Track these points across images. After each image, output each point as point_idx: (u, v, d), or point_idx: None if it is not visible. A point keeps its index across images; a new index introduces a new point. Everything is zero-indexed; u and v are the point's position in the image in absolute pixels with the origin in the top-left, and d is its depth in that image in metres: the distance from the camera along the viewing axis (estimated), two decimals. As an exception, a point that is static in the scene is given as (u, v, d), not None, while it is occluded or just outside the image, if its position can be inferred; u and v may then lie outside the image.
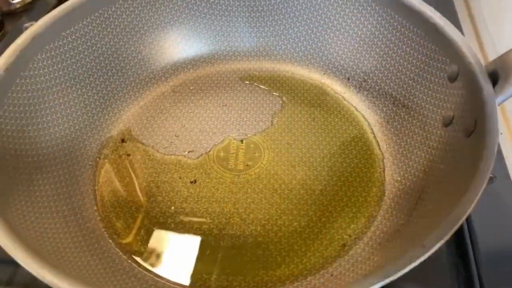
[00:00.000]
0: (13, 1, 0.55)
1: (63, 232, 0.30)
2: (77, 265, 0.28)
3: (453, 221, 0.22)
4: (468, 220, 0.33)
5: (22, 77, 0.34)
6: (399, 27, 0.38)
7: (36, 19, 0.52)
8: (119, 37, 0.41)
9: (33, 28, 0.35)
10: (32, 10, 0.56)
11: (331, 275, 0.30)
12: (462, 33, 0.35)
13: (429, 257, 0.31)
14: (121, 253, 0.32)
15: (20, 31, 0.52)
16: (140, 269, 0.31)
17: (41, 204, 0.31)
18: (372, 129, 0.39)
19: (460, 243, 0.32)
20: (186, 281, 0.30)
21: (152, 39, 0.43)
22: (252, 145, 0.38)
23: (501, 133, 0.38)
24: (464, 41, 0.32)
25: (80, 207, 0.34)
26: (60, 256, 0.28)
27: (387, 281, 0.21)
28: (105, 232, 0.33)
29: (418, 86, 0.36)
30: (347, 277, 0.29)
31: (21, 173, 0.31)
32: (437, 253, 0.31)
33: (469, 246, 0.32)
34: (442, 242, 0.22)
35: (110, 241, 0.32)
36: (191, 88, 0.43)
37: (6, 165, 0.30)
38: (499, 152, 0.37)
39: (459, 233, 0.32)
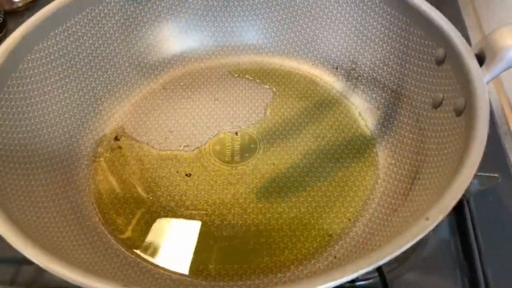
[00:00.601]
0: (16, 0, 0.54)
1: (65, 231, 0.30)
2: (82, 262, 0.28)
3: (454, 193, 0.23)
4: (472, 219, 0.34)
5: (13, 78, 0.33)
6: (384, 14, 0.39)
7: None
8: (107, 36, 0.41)
9: (22, 29, 0.34)
10: (34, 8, 0.55)
11: (335, 257, 0.30)
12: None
13: (435, 258, 0.32)
14: (123, 249, 0.32)
15: None
16: (144, 262, 0.31)
17: (41, 204, 0.30)
18: (362, 116, 0.40)
19: (465, 242, 0.33)
20: (191, 272, 0.31)
21: (140, 37, 0.43)
22: (247, 137, 0.39)
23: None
24: (449, 25, 0.33)
25: (79, 206, 0.33)
26: (64, 253, 0.28)
27: (396, 253, 0.21)
28: (105, 229, 0.33)
29: (406, 71, 0.37)
30: (351, 258, 0.29)
31: (18, 173, 0.30)
32: (442, 253, 0.32)
33: (474, 246, 0.32)
34: (445, 214, 0.23)
35: (112, 237, 0.32)
36: (182, 84, 0.43)
37: (2, 165, 0.30)
38: (503, 151, 0.38)
39: (463, 233, 0.33)
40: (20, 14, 0.54)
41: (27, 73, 0.34)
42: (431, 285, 0.32)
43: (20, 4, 0.54)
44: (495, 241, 0.33)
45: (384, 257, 0.21)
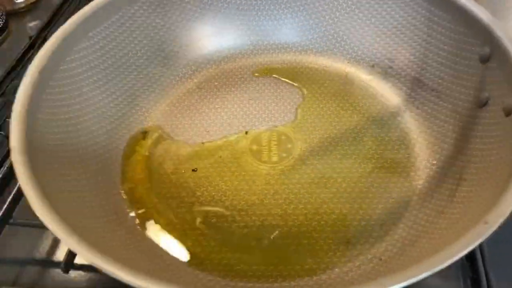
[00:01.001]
0: (17, 1, 0.55)
1: (103, 226, 0.30)
2: (118, 256, 0.28)
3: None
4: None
5: (55, 79, 0.33)
6: (424, 11, 0.38)
7: (40, 19, 0.53)
8: (142, 36, 0.41)
9: (62, 30, 0.35)
10: (36, 9, 0.56)
11: (380, 260, 0.30)
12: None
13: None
14: (165, 248, 0.32)
15: (24, 31, 0.53)
16: (180, 261, 0.31)
17: (82, 199, 0.31)
18: (401, 115, 0.39)
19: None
20: (233, 273, 0.30)
21: (174, 37, 0.43)
22: (283, 137, 0.38)
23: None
24: (494, 22, 0.32)
25: (116, 202, 0.34)
26: (103, 248, 0.28)
27: (455, 259, 0.21)
28: (140, 226, 0.33)
29: (447, 70, 0.37)
30: (397, 260, 0.29)
31: (62, 167, 0.31)
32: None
33: (477, 247, 0.31)
34: (504, 217, 0.22)
35: (153, 237, 0.32)
36: (216, 83, 0.43)
37: (46, 158, 0.30)
38: None
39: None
40: (22, 14, 0.55)
41: (67, 73, 0.35)
42: (433, 287, 0.31)
43: (22, 5, 0.55)
44: (498, 243, 0.32)
45: (445, 260, 0.21)
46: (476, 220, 0.24)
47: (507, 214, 0.22)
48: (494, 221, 0.22)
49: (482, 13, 0.33)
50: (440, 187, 0.33)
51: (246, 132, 0.39)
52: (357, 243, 0.31)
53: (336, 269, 0.30)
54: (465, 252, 0.21)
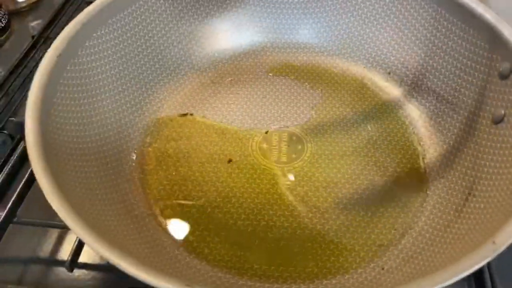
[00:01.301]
0: (19, 0, 0.55)
1: (116, 220, 0.30)
2: (131, 252, 0.28)
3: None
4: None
5: (72, 63, 0.34)
6: (445, 23, 0.38)
7: (42, 18, 0.53)
8: (160, 27, 0.41)
9: (82, 16, 0.35)
10: (38, 9, 0.56)
11: (382, 269, 0.30)
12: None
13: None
14: (170, 242, 0.32)
15: (26, 30, 0.53)
16: (190, 257, 0.31)
17: (93, 192, 0.31)
18: (414, 124, 0.39)
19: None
20: (236, 271, 0.31)
21: (192, 29, 0.43)
22: (294, 138, 0.38)
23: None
24: (517, 39, 0.32)
25: (128, 194, 0.34)
26: (116, 243, 0.28)
27: (459, 277, 0.21)
28: (153, 220, 0.33)
29: (464, 83, 0.36)
30: (400, 272, 0.29)
31: (74, 159, 0.31)
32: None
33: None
34: (512, 239, 0.22)
35: (159, 229, 0.32)
36: (230, 79, 0.43)
37: (59, 149, 0.30)
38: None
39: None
40: (24, 14, 0.55)
41: (84, 59, 0.35)
42: None
43: (24, 4, 0.55)
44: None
45: (448, 278, 0.21)
46: (482, 238, 0.24)
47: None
48: (502, 242, 0.22)
49: (505, 29, 0.32)
50: (448, 201, 0.33)
51: (257, 130, 0.39)
52: (361, 250, 0.31)
53: (338, 275, 0.30)
54: (470, 271, 0.21)
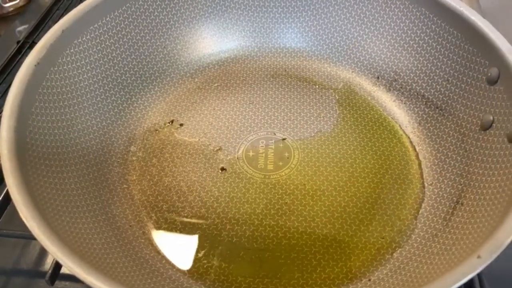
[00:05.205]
0: (6, 5, 0.54)
1: (96, 232, 0.29)
2: (113, 267, 0.28)
3: (509, 230, 0.22)
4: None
5: (52, 72, 0.33)
6: (433, 27, 0.37)
7: (29, 23, 0.53)
8: (144, 32, 0.40)
9: (62, 22, 0.34)
10: (25, 13, 0.55)
11: (369, 280, 0.29)
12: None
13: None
14: (153, 253, 0.31)
15: (13, 35, 0.53)
16: (172, 270, 0.31)
17: (74, 204, 0.30)
18: (403, 130, 0.38)
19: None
20: (219, 283, 0.30)
21: (178, 34, 0.42)
22: (281, 145, 0.38)
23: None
24: (505, 43, 0.31)
25: (110, 206, 0.33)
26: (93, 256, 0.27)
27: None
28: (136, 232, 0.32)
29: (453, 88, 0.36)
30: (387, 283, 0.28)
31: (53, 170, 0.30)
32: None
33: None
34: (498, 253, 0.21)
35: (142, 241, 0.32)
36: (217, 84, 0.42)
37: (37, 161, 0.29)
38: None
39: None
40: (11, 19, 0.55)
41: (65, 67, 0.34)
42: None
43: (10, 9, 0.55)
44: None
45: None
46: (469, 251, 0.24)
47: (501, 249, 0.21)
48: (487, 256, 0.21)
49: (493, 34, 0.32)
50: (436, 209, 0.32)
51: (244, 138, 0.38)
52: (348, 261, 0.31)
53: (323, 287, 0.30)
54: (455, 286, 0.20)
